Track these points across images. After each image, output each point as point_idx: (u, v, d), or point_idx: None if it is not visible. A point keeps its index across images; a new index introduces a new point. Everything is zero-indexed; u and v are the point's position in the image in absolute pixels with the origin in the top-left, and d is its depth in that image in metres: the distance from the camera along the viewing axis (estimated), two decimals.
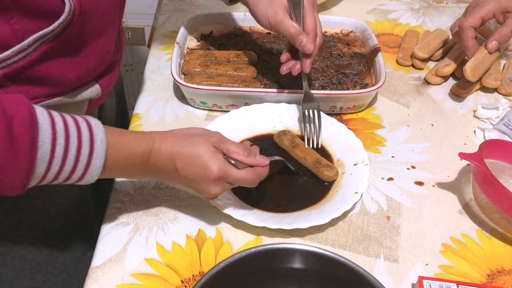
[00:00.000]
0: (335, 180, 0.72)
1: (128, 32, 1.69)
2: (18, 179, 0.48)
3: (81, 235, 0.77)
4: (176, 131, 0.61)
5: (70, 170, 0.52)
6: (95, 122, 0.54)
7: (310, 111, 0.77)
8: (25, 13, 0.53)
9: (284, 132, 0.77)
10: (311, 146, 0.76)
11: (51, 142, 0.49)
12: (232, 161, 0.59)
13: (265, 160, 0.62)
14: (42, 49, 0.56)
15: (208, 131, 0.62)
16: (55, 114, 0.51)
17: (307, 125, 0.76)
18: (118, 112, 0.96)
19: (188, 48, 0.94)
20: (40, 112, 0.49)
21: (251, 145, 0.64)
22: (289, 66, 0.75)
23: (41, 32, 0.54)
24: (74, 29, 0.57)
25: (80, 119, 0.53)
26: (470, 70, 0.85)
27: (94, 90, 0.68)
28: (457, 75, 0.95)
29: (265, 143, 0.78)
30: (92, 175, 0.54)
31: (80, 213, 0.78)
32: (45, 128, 0.49)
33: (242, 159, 0.60)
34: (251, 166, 0.61)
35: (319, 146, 0.76)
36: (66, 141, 0.50)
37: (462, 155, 0.67)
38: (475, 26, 0.87)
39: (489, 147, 0.71)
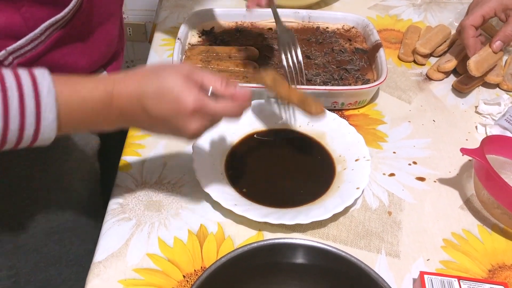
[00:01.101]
0: (321, 115, 0.66)
1: (129, 29, 1.69)
2: None
3: (92, 228, 0.78)
4: (140, 68, 0.54)
5: (18, 129, 0.46)
6: (40, 72, 0.48)
7: (287, 47, 0.71)
8: (35, 1, 0.53)
9: (267, 72, 0.69)
10: (295, 86, 0.70)
11: None
12: (210, 89, 0.53)
13: (247, 90, 0.55)
14: (53, 36, 0.56)
15: (177, 64, 0.57)
16: None
17: (287, 62, 0.70)
18: None
19: (189, 44, 0.94)
20: None
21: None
22: (254, 1, 0.71)
23: (52, 19, 0.54)
24: (83, 15, 0.57)
25: (21, 70, 0.48)
26: (474, 64, 0.85)
27: None
28: (458, 71, 0.95)
29: (266, 139, 0.78)
30: (48, 131, 0.48)
31: (91, 206, 0.79)
32: None
33: (220, 89, 0.53)
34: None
35: (304, 83, 0.70)
36: (3, 96, 0.45)
37: (464, 151, 0.67)
38: (476, 25, 0.87)
39: (491, 142, 0.70)
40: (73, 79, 0.51)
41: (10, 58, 0.54)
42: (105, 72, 0.68)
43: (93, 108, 0.51)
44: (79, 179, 0.73)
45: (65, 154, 0.69)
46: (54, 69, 0.59)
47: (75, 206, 0.74)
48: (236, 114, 0.55)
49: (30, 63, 0.56)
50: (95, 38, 0.62)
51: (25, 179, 0.64)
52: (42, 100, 0.47)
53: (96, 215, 0.80)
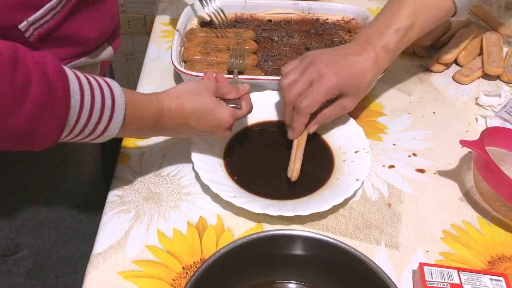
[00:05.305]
0: None
1: (128, 21, 1.68)
2: (55, 127, 0.49)
3: (101, 204, 0.79)
4: (178, 91, 0.64)
5: (96, 122, 0.52)
6: (109, 79, 0.56)
7: None
8: None
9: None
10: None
11: (79, 92, 0.50)
12: (232, 105, 0.67)
13: (246, 86, 0.70)
14: (67, 7, 0.58)
15: (202, 82, 0.66)
16: (72, 69, 0.52)
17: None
18: None
19: (192, 28, 0.93)
20: (63, 65, 0.51)
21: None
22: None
23: None
24: None
25: (94, 76, 0.54)
26: (463, 58, 0.92)
27: (108, 52, 0.70)
28: (459, 62, 0.94)
29: (266, 131, 0.78)
30: (114, 129, 0.55)
31: (100, 180, 0.80)
32: (72, 78, 0.50)
33: (235, 96, 0.68)
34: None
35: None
36: (91, 92, 0.51)
37: (464, 143, 0.67)
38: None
39: (491, 134, 0.70)
40: (131, 92, 0.58)
41: (31, 29, 0.55)
42: (110, 47, 0.70)
43: (146, 121, 0.60)
44: (88, 152, 0.75)
45: None
46: (70, 39, 0.61)
47: (87, 179, 0.75)
48: (251, 108, 0.70)
49: (47, 34, 0.57)
50: (102, 10, 0.64)
51: (47, 152, 0.66)
52: (116, 101, 0.54)
53: (102, 190, 0.81)
